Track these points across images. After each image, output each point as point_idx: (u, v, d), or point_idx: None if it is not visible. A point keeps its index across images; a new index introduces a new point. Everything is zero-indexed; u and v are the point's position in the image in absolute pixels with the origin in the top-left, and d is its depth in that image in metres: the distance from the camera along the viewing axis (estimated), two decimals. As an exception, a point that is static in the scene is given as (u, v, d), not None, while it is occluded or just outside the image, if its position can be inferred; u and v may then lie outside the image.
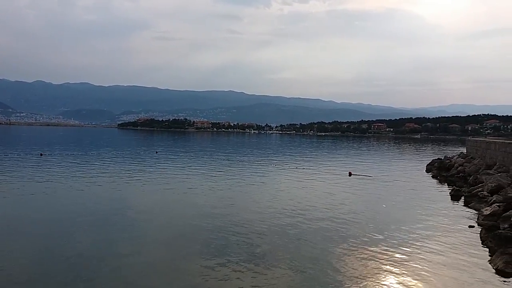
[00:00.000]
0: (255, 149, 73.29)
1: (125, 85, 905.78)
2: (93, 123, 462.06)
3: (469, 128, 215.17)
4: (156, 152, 52.92)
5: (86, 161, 38.42)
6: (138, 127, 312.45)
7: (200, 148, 74.49)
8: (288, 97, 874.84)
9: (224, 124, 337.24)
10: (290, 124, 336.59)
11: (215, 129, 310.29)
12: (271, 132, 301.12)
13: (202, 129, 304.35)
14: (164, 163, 38.74)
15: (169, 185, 24.13)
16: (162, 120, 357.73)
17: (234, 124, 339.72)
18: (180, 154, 52.88)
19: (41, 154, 43.05)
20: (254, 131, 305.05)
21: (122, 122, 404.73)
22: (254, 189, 23.85)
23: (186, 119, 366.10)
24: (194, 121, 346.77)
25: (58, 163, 35.64)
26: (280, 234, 13.54)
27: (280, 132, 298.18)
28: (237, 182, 26.36)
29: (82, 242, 12.16)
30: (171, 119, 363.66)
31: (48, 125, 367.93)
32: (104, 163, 36.98)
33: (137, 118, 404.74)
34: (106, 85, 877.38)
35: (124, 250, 11.47)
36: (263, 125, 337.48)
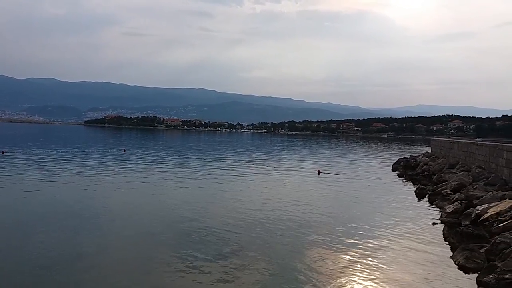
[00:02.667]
0: (226, 148, 73.04)
1: (93, 81, 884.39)
2: (58, 120, 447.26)
3: (434, 128, 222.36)
4: (124, 151, 51.78)
5: (50, 159, 37.13)
6: (106, 125, 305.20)
7: (170, 146, 73.54)
8: (259, 96, 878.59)
9: (195, 122, 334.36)
10: (261, 123, 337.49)
11: (185, 127, 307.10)
12: (243, 130, 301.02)
13: (172, 127, 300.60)
14: (132, 161, 37.96)
15: (137, 184, 23.67)
16: (131, 117, 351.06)
17: (205, 123, 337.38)
18: (149, 153, 52.00)
19: (3, 152, 41.26)
20: (226, 129, 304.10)
21: (89, 119, 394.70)
22: (224, 188, 23.71)
23: (155, 116, 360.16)
24: (164, 119, 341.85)
25: (20, 161, 34.28)
26: (250, 232, 13.51)
27: (251, 131, 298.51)
28: (207, 181, 26.15)
29: (45, 244, 11.70)
30: (140, 117, 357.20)
31: (11, 121, 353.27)
32: (69, 161, 35.87)
33: (105, 115, 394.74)
34: (72, 81, 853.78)
35: (90, 251, 11.14)
36: (234, 124, 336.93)
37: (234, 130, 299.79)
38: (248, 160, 43.90)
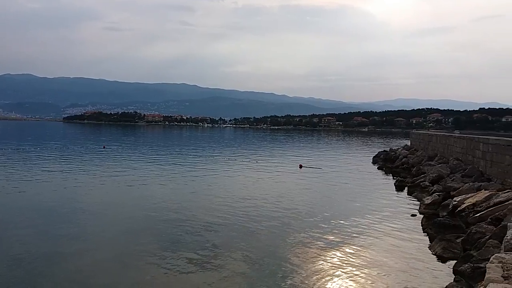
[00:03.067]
0: (208, 143, 72.69)
1: (72, 77, 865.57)
2: (36, 117, 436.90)
3: (414, 122, 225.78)
4: (104, 147, 51.02)
5: (28, 156, 36.28)
6: (85, 121, 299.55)
7: (150, 142, 72.76)
8: (242, 90, 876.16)
9: (176, 118, 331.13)
10: (244, 117, 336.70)
11: (167, 123, 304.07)
12: (225, 125, 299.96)
13: (153, 123, 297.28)
14: (112, 157, 37.42)
15: (117, 181, 23.33)
16: (111, 113, 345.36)
17: (187, 118, 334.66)
18: (129, 148, 51.35)
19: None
20: (208, 124, 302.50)
21: (68, 115, 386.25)
22: (206, 183, 23.60)
23: (136, 112, 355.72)
24: (144, 115, 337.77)
25: (-5, 159, 33.37)
26: (232, 227, 13.49)
27: (234, 125, 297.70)
28: (189, 176, 25.99)
29: (24, 242, 11.43)
30: (120, 112, 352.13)
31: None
32: (47, 158, 35.11)
33: (84, 111, 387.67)
34: (51, 77, 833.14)
35: (69, 249, 10.96)
36: (216, 119, 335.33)
37: (216, 125, 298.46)
38: (230, 155, 43.80)
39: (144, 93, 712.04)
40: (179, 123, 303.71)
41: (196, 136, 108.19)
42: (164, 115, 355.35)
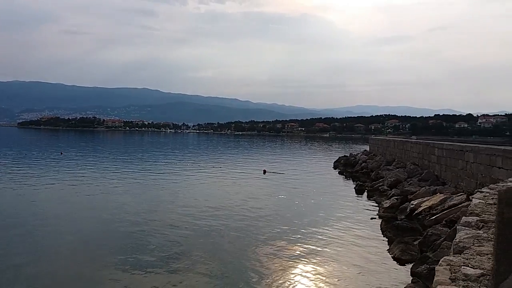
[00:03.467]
0: (171, 149, 71.62)
1: (27, 80, 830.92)
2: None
3: (373, 127, 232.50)
4: (61, 153, 49.12)
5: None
6: (42, 126, 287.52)
7: (110, 148, 70.79)
8: (205, 96, 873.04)
9: (137, 123, 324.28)
10: (207, 123, 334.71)
11: (127, 128, 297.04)
12: (188, 131, 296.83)
13: (113, 128, 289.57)
14: (70, 164, 36.05)
15: (75, 188, 22.47)
16: (69, 118, 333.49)
17: (148, 123, 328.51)
18: (88, 155, 49.69)
19: None
20: (171, 130, 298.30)
21: (23, 120, 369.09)
22: (168, 190, 23.19)
23: (95, 117, 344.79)
24: (104, 120, 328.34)
25: None
26: (195, 235, 13.29)
27: (197, 131, 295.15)
28: (151, 183, 25.45)
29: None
30: (78, 118, 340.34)
31: None
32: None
33: (40, 117, 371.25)
34: (4, 81, 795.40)
35: (23, 260, 10.38)
36: (179, 124, 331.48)
37: (179, 131, 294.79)
38: (193, 161, 43.34)
39: (104, 98, 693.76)
40: (140, 129, 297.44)
41: (159, 142, 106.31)
42: (125, 120, 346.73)
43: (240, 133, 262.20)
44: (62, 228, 13.84)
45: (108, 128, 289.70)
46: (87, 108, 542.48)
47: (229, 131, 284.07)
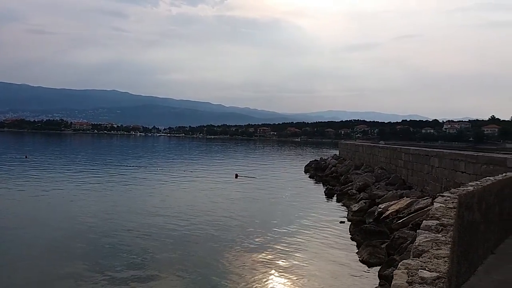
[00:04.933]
0: (140, 153, 70.44)
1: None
2: None
3: (342, 132, 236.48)
4: (26, 157, 47.37)
5: None
6: (5, 129, 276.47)
7: (77, 151, 68.89)
8: (177, 99, 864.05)
9: (106, 126, 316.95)
10: (179, 126, 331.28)
11: (95, 131, 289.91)
12: (159, 134, 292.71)
13: (81, 131, 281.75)
14: (35, 168, 34.82)
15: (41, 193, 21.73)
16: (34, 120, 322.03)
17: (117, 126, 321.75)
18: (54, 158, 48.17)
19: None
20: (141, 133, 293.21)
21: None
22: (138, 194, 22.81)
23: (62, 120, 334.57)
24: (71, 122, 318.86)
25: None
26: (165, 239, 13.11)
27: (168, 135, 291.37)
28: (119, 188, 24.94)
29: None
30: (44, 120, 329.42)
31: None
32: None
33: (4, 119, 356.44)
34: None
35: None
36: (150, 127, 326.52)
37: (150, 134, 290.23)
38: (164, 165, 42.77)
39: (72, 99, 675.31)
40: (109, 132, 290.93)
41: (128, 146, 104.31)
42: (93, 123, 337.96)
43: (213, 137, 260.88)
44: (28, 234, 13.36)
45: (76, 131, 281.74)
46: (53, 110, 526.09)
47: (201, 135, 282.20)
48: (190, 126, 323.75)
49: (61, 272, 10.05)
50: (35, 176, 28.96)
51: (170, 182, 28.80)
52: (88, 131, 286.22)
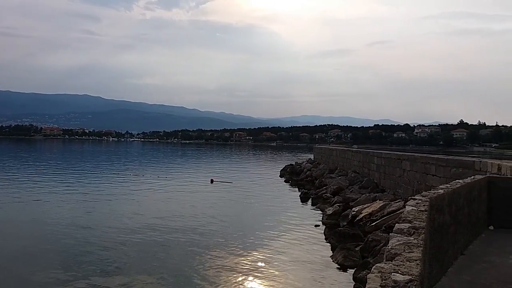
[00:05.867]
0: (113, 158, 69.11)
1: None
2: None
3: (317, 137, 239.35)
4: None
5: None
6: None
7: (48, 157, 66.96)
8: (151, 103, 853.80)
9: (78, 131, 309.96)
10: (153, 131, 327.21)
11: (67, 137, 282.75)
12: (132, 140, 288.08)
13: (52, 137, 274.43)
14: (1, 174, 33.57)
15: (8, 200, 20.93)
16: (2, 126, 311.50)
17: (89, 131, 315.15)
18: (23, 165, 46.62)
19: None
20: (113, 138, 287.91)
21: None
22: (111, 201, 22.30)
23: (32, 125, 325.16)
24: (41, 128, 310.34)
25: None
26: (141, 247, 12.85)
27: (142, 139, 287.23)
28: (92, 195, 24.32)
29: None
30: (13, 125, 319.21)
31: None
32: None
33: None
34: None
35: None
36: (123, 133, 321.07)
37: (123, 139, 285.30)
38: (138, 171, 42.06)
39: (42, 104, 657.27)
40: (80, 137, 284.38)
41: (100, 151, 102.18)
42: (64, 128, 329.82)
43: (188, 141, 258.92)
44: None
45: (46, 136, 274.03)
46: (23, 115, 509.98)
47: (176, 139, 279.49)
48: (164, 131, 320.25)
49: (29, 281, 9.68)
50: (1, 183, 27.91)
51: (144, 188, 28.31)
52: (59, 137, 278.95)
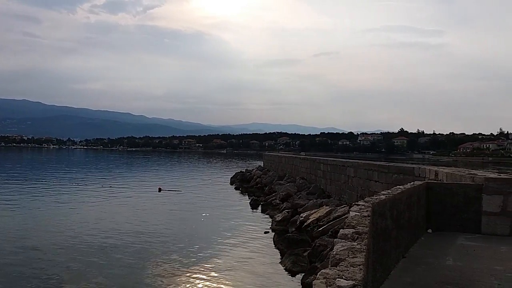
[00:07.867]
0: (54, 167, 65.58)
1: None
2: None
3: (266, 144, 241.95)
4: None
5: None
6: None
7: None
8: (94, 109, 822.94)
9: (15, 138, 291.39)
10: (97, 138, 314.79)
11: (3, 144, 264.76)
12: (75, 147, 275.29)
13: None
14: None
15: None
16: None
17: (28, 138, 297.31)
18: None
19: None
20: (54, 146, 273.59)
21: None
22: (50, 213, 21.10)
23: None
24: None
25: None
26: (83, 260, 12.23)
27: (85, 147, 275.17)
28: (29, 206, 22.87)
29: None
30: None
31: None
32: None
33: None
34: None
35: None
36: (65, 140, 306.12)
37: (64, 147, 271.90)
38: (79, 180, 40.19)
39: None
40: (18, 144, 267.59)
41: (40, 160, 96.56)
42: (0, 135, 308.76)
43: (134, 149, 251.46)
44: None
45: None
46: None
47: (122, 147, 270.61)
48: (109, 138, 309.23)
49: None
50: None
51: (86, 198, 27.05)
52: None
